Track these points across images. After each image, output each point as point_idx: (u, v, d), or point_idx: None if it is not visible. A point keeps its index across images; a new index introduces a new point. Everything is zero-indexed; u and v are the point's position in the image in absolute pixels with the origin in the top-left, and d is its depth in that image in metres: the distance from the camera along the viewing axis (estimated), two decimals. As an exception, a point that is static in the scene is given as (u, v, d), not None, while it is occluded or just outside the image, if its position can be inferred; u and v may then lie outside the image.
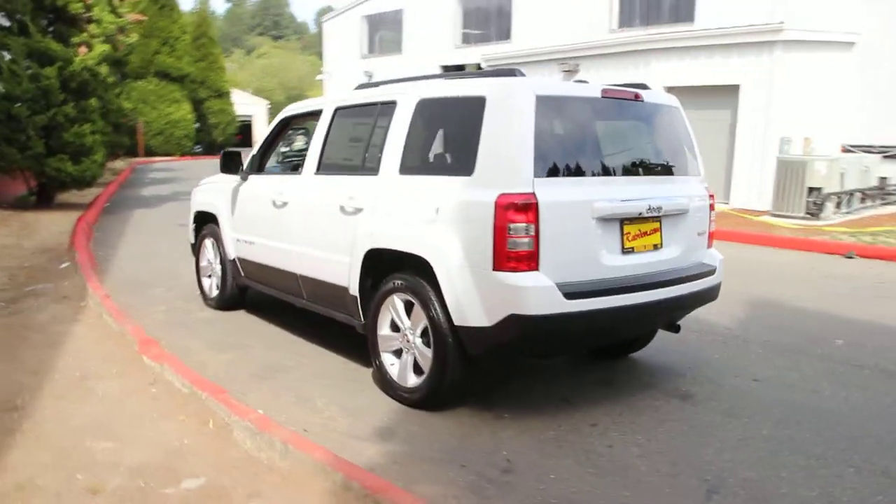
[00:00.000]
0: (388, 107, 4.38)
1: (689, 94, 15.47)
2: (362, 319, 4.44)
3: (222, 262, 6.11)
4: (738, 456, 3.48)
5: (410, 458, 3.41)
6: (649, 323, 4.38)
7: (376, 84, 4.87)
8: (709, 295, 4.36)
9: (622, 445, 3.59)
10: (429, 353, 3.93)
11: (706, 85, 15.74)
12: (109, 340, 5.15)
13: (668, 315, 4.27)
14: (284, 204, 5.08)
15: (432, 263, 3.78)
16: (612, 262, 3.84)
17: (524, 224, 3.50)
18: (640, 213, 3.93)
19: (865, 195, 13.94)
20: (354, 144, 4.78)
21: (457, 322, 3.72)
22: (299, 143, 8.72)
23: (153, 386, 4.24)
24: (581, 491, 3.11)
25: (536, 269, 3.55)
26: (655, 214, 4.00)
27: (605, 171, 3.89)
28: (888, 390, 4.43)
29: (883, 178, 14.47)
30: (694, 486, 3.19)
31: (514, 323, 3.55)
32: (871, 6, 14.83)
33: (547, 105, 3.69)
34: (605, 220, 3.79)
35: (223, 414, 3.70)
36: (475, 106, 3.78)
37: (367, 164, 4.47)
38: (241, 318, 6.08)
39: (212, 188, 6.32)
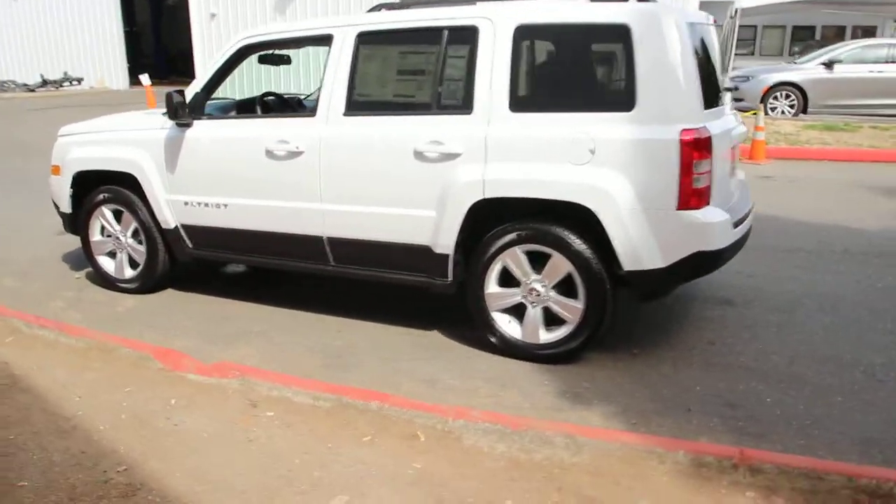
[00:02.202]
0: (464, 33, 3.77)
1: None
2: (449, 279, 3.94)
3: (148, 234, 4.78)
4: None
5: (643, 414, 3.25)
6: None
7: (404, 5, 4.11)
8: None
9: (757, 353, 3.88)
10: (575, 303, 3.68)
11: None
12: (72, 362, 3.77)
13: None
14: (295, 154, 4.12)
15: (595, 209, 3.49)
16: (732, 188, 3.97)
17: (706, 159, 3.43)
18: (737, 140, 4.08)
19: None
20: (410, 78, 4.04)
21: (628, 267, 3.54)
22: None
23: (255, 408, 3.27)
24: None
25: (709, 203, 3.52)
26: (737, 141, 4.18)
27: (716, 101, 3.92)
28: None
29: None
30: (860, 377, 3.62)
31: (697, 259, 3.52)
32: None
33: (691, 33, 3.56)
34: (732, 148, 3.87)
35: (420, 421, 3.05)
36: (615, 35, 3.48)
37: (447, 102, 3.83)
38: (185, 298, 4.90)
39: (115, 138, 4.81)
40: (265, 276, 5.31)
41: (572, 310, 3.71)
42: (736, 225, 3.70)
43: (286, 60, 5.02)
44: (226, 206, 4.44)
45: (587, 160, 3.49)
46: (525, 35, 3.65)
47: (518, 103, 3.64)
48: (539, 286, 3.76)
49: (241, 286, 5.23)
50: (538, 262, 3.75)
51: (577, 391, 3.52)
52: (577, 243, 3.59)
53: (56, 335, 4.02)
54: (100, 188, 4.92)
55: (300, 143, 4.09)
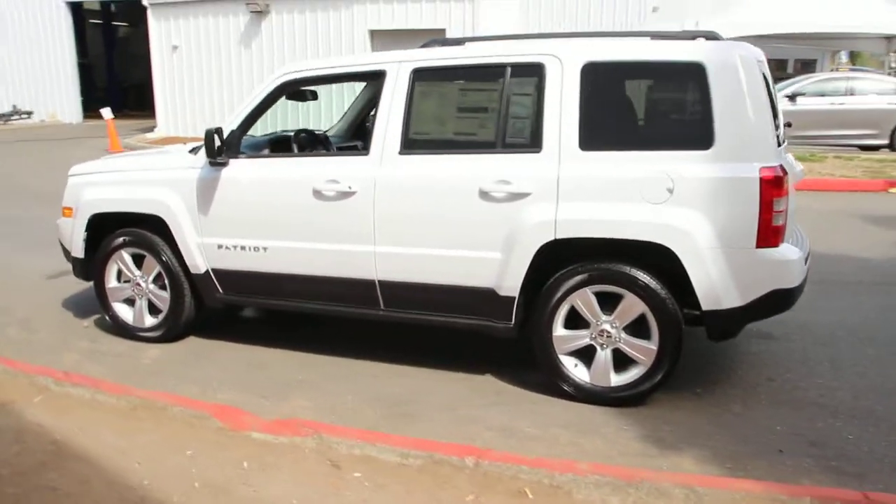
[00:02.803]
0: (529, 70, 3.70)
1: (395, 38, 15.78)
2: (513, 322, 3.82)
3: (173, 279, 4.51)
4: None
5: (735, 457, 3.17)
6: None
7: (458, 41, 4.02)
8: None
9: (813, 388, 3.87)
10: (648, 344, 3.60)
11: (413, 29, 16.07)
12: (119, 424, 3.48)
13: None
14: (346, 194, 3.96)
15: (675, 249, 3.43)
16: (794, 225, 3.97)
17: (783, 197, 3.42)
18: (798, 178, 4.10)
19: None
20: (471, 116, 3.93)
21: (707, 307, 3.48)
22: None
23: (340, 469, 3.05)
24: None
25: (784, 241, 3.51)
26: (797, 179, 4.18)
27: (780, 139, 3.91)
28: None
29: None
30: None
31: (774, 298, 3.50)
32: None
33: (759, 70, 3.57)
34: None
35: (525, 476, 2.89)
36: (688, 73, 3.47)
37: (513, 141, 3.74)
38: (211, 346, 4.64)
39: (138, 178, 4.55)
40: (286, 319, 5.07)
41: (646, 351, 3.63)
42: (804, 261, 3.70)
43: (314, 97, 4.87)
44: (265, 249, 4.23)
45: (665, 199, 3.44)
46: (594, 72, 3.60)
47: (589, 141, 3.58)
48: (610, 327, 3.67)
49: (264, 330, 4.98)
50: (606, 303, 3.67)
51: (660, 435, 3.42)
52: (653, 283, 3.52)
53: (92, 393, 3.71)
54: (119, 231, 4.63)
55: (353, 184, 3.93)
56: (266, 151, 4.61)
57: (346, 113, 5.63)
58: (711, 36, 3.62)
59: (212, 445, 3.24)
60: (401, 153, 3.89)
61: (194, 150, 4.56)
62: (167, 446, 3.24)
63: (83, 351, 4.59)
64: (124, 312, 4.77)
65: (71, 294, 5.69)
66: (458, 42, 4.02)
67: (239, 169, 4.25)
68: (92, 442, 3.27)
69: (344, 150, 5.08)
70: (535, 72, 3.69)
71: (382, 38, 16.15)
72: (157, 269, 4.58)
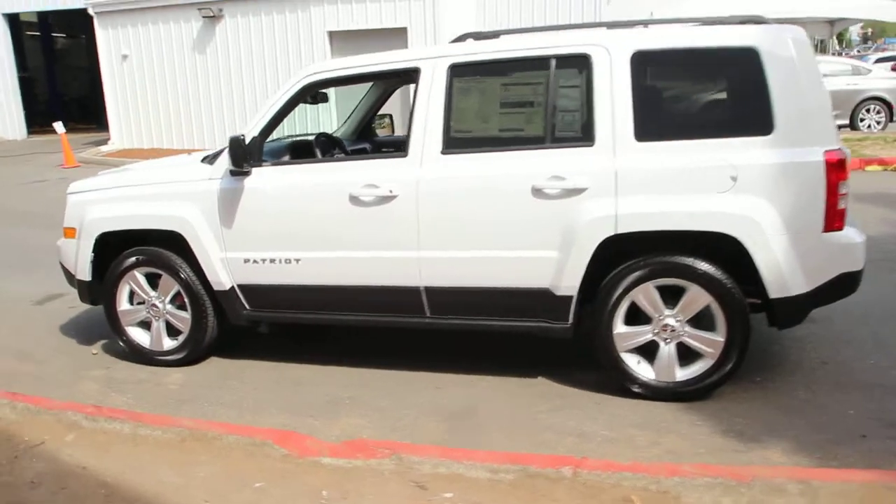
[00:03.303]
0: (575, 61, 3.58)
1: (356, 39, 15.54)
2: (570, 322, 3.70)
3: (194, 298, 4.24)
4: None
5: (821, 445, 3.11)
6: None
7: (493, 34, 3.86)
8: None
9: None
10: (714, 336, 3.51)
11: (373, 29, 15.80)
12: (172, 458, 3.22)
13: None
14: (386, 199, 3.76)
15: (742, 238, 3.35)
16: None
17: (846, 180, 3.37)
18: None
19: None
20: (516, 111, 3.77)
21: (775, 294, 3.41)
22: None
23: (427, 490, 2.85)
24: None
25: (846, 224, 3.47)
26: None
27: None
28: None
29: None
30: None
31: (841, 281, 3.46)
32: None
33: (811, 51, 3.52)
34: None
35: (628, 483, 2.75)
36: (742, 58, 3.39)
37: (563, 135, 3.60)
38: (237, 366, 4.38)
39: (150, 193, 4.25)
40: (306, 333, 4.82)
41: (712, 343, 3.54)
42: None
43: (325, 99, 4.65)
44: (297, 260, 4.00)
45: (729, 187, 3.36)
46: (644, 61, 3.49)
47: (644, 132, 3.47)
48: (673, 321, 3.57)
49: (287, 346, 4.73)
50: (667, 296, 3.57)
51: (738, 428, 3.34)
52: (718, 274, 3.44)
53: (133, 427, 3.43)
54: (130, 251, 4.34)
55: (393, 187, 3.74)
56: (287, 158, 4.37)
57: (350, 115, 5.40)
58: (758, 20, 3.55)
59: (281, 475, 3.01)
60: (443, 153, 3.71)
61: (209, 159, 4.30)
62: (231, 479, 3.00)
63: (100, 380, 4.28)
64: (140, 336, 4.47)
65: (67, 319, 5.33)
66: (493, 35, 3.86)
67: (265, 178, 4.01)
68: (147, 480, 3.01)
69: (361, 152, 4.87)
70: (581, 63, 3.56)
71: (342, 40, 15.84)
72: (176, 288, 4.30)
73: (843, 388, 3.70)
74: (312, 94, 4.13)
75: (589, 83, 3.53)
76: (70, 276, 4.59)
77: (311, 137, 4.70)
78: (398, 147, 4.33)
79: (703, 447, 3.18)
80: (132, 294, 4.44)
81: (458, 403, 3.73)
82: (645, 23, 3.78)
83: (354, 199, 3.82)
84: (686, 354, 3.62)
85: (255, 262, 4.08)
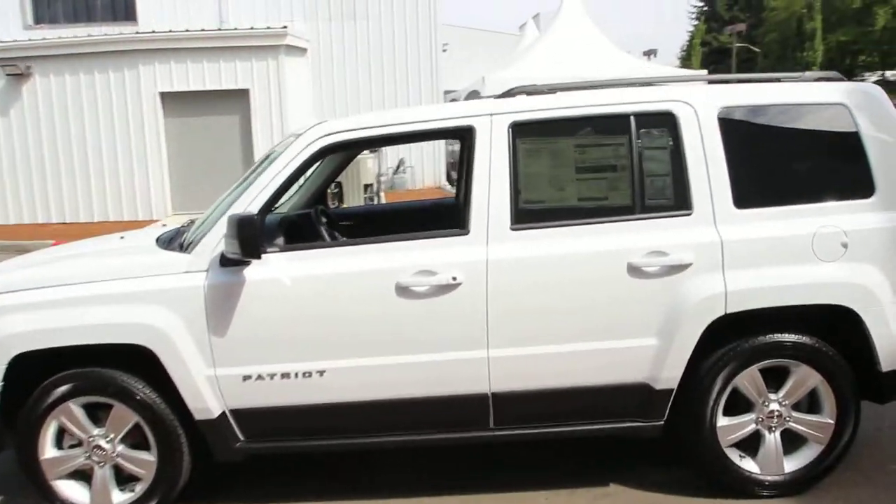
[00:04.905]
0: (656, 119, 3.16)
1: (192, 100, 14.38)
2: (665, 418, 3.18)
3: (162, 434, 3.16)
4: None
5: None
6: None
7: (550, 89, 3.31)
8: None
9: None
10: (822, 418, 3.18)
11: (212, 90, 14.65)
12: None
13: None
14: (447, 288, 3.03)
15: (856, 308, 3.06)
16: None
17: (952, 241, 3.23)
18: None
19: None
20: (593, 176, 3.21)
21: (888, 367, 3.15)
22: None
23: None
24: None
25: None
26: None
27: None
28: None
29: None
30: None
31: None
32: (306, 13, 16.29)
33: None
34: None
35: None
36: (834, 115, 3.18)
37: (654, 203, 3.12)
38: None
39: (101, 293, 3.11)
40: (288, 464, 3.80)
41: (821, 427, 3.20)
42: None
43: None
44: (321, 373, 3.10)
45: (840, 255, 3.07)
46: (732, 119, 3.16)
47: (742, 198, 3.11)
48: (778, 406, 3.18)
49: (261, 478, 3.70)
50: (768, 379, 3.19)
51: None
52: (830, 351, 3.12)
53: None
54: (61, 376, 3.15)
55: (456, 273, 3.02)
56: (281, 240, 3.46)
57: (303, 185, 4.55)
58: (836, 77, 3.38)
59: None
60: (513, 228, 3.08)
61: (173, 244, 3.31)
62: None
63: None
64: (75, 493, 3.24)
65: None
66: (549, 91, 3.32)
67: (274, 268, 3.09)
68: None
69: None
70: (665, 121, 3.15)
71: (177, 102, 14.49)
72: (133, 420, 3.17)
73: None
74: (326, 158, 3.32)
75: (677, 144, 3.13)
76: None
77: (308, 211, 3.81)
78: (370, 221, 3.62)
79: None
80: (61, 433, 3.22)
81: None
82: (707, 79, 3.47)
83: (403, 291, 3.04)
84: (789, 442, 3.25)
85: (260, 378, 3.11)
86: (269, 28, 14.77)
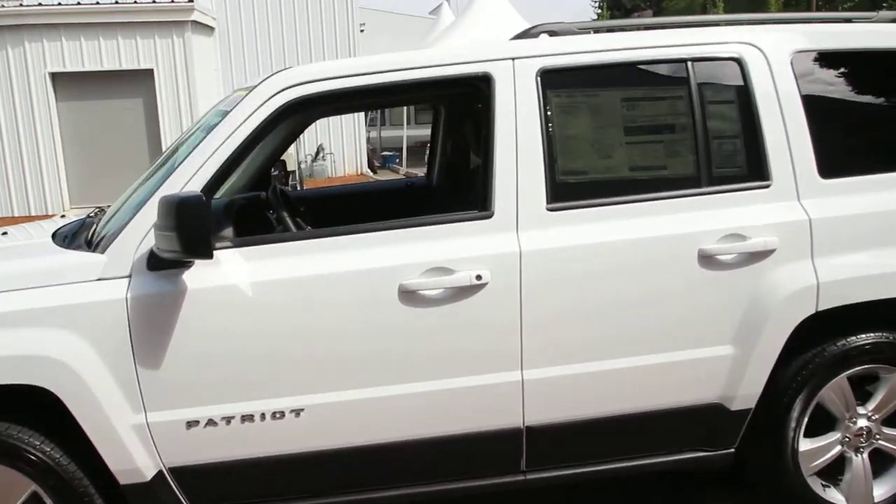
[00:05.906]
0: (718, 68, 2.47)
1: (87, 82, 12.98)
2: (736, 444, 2.53)
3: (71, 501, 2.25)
4: None
5: None
6: None
7: (583, 29, 2.56)
8: None
9: None
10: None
11: (109, 71, 13.22)
12: None
13: None
14: (467, 290, 2.25)
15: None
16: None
17: None
18: None
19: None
20: (651, 140, 2.48)
21: None
22: None
23: None
24: None
25: None
26: None
27: None
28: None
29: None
30: None
31: None
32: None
33: None
34: None
35: None
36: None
37: (722, 173, 2.43)
38: None
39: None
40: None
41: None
42: None
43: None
44: (298, 412, 2.26)
45: (951, 235, 2.49)
46: (808, 66, 2.52)
47: (827, 166, 2.47)
48: (867, 422, 2.59)
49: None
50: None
51: None
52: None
53: None
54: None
55: (480, 269, 2.24)
56: (230, 231, 2.57)
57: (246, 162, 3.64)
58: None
59: None
60: (550, 208, 2.33)
61: (73, 239, 2.40)
62: None
63: None
64: None
65: None
66: (582, 31, 2.58)
67: (225, 270, 2.22)
68: None
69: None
70: (731, 70, 2.47)
71: (70, 83, 13.00)
72: (29, 490, 2.25)
73: None
74: (287, 119, 2.46)
75: (748, 98, 2.45)
76: None
77: (258, 194, 2.93)
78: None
79: None
80: (-81, 516, 2.25)
81: None
82: (763, 20, 2.79)
83: (409, 296, 2.24)
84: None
85: (211, 423, 2.23)
86: (173, 2, 13.39)
